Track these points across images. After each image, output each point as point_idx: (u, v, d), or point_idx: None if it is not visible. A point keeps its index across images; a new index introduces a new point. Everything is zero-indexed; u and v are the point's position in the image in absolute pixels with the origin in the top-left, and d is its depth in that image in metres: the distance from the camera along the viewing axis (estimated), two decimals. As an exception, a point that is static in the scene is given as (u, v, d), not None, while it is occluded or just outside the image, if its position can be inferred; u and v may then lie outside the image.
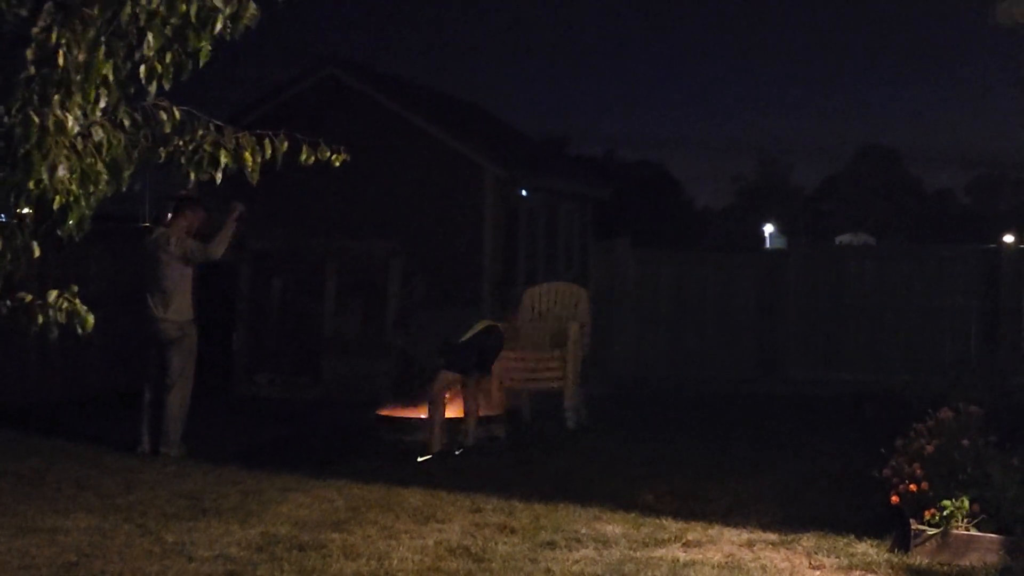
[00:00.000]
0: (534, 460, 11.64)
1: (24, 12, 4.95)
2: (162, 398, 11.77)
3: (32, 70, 4.90)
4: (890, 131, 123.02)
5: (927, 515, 8.06)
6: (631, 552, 8.17)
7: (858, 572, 7.74)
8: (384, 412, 13.02)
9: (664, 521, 9.04)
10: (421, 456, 11.51)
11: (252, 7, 5.13)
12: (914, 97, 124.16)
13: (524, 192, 23.14)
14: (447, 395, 12.01)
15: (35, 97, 4.90)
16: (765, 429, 13.89)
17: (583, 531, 8.72)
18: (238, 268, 16.49)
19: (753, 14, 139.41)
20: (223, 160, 5.33)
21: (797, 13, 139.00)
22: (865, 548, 8.22)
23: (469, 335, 12.00)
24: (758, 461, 11.71)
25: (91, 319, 5.37)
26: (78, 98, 4.95)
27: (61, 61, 4.86)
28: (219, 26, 5.09)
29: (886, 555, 8.03)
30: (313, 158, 5.62)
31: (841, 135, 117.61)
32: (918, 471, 8.47)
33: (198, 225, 12.07)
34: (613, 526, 8.90)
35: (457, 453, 11.79)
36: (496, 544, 8.33)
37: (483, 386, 12.22)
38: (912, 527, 8.07)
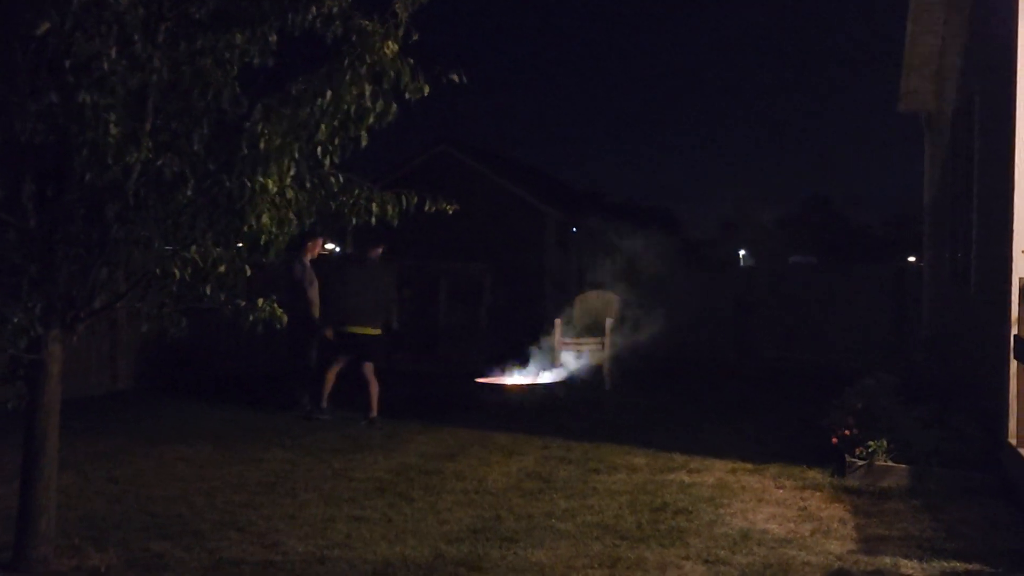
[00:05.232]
0: (582, 412, 11.35)
1: (241, 111, 4.98)
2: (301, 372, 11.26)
3: (245, 151, 4.91)
4: (828, 182, 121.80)
5: (857, 451, 7.89)
6: (651, 476, 8.02)
7: (809, 491, 7.52)
8: (480, 379, 12.80)
9: (674, 455, 8.82)
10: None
11: (393, 107, 5.12)
12: (846, 157, 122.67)
13: (574, 229, 23.41)
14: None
15: (247, 169, 4.92)
16: (742, 391, 13.52)
17: (618, 461, 8.55)
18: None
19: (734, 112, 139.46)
20: (374, 210, 5.31)
21: (769, 113, 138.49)
22: (814, 474, 8.01)
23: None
24: (737, 413, 11.42)
25: (285, 318, 5.37)
26: (275, 169, 4.96)
27: (263, 145, 4.87)
28: (371, 120, 5.10)
29: (829, 479, 7.84)
30: (433, 208, 5.60)
31: (793, 186, 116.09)
32: (850, 421, 8.24)
33: (318, 250, 11.37)
34: (638, 458, 8.69)
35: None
36: (559, 470, 8.21)
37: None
38: (847, 460, 7.90)
